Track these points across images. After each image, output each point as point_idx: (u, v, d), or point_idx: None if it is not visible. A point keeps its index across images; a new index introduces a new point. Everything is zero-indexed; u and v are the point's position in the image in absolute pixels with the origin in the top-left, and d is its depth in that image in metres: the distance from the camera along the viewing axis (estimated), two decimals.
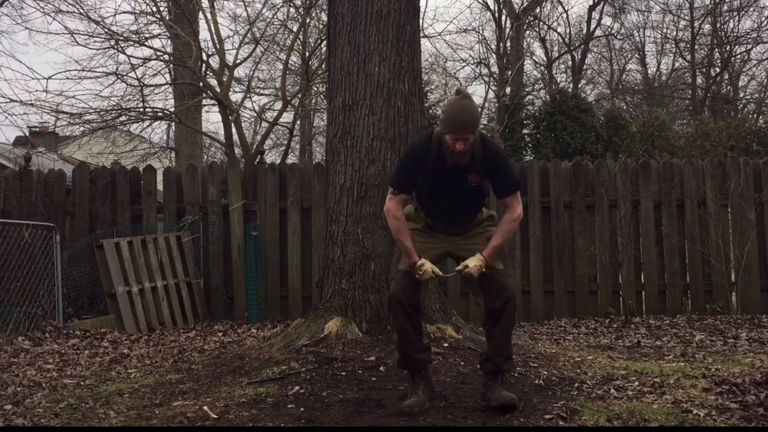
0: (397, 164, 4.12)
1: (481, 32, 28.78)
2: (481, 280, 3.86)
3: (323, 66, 12.97)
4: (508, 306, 3.82)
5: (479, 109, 3.79)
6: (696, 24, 27.55)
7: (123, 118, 13.20)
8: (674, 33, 28.82)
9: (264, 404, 4.11)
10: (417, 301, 3.91)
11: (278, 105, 15.10)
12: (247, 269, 8.63)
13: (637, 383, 4.34)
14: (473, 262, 3.80)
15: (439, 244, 4.00)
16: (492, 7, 24.16)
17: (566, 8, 36.76)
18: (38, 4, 13.94)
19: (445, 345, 5.12)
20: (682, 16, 27.99)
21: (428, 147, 3.84)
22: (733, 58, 27.82)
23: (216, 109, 14.03)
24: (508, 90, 20.00)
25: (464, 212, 3.99)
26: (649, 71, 30.67)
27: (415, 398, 3.87)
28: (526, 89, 23.85)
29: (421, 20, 6.85)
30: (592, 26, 26.98)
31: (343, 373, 4.61)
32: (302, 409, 3.98)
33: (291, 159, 20.62)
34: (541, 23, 26.82)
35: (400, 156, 4.19)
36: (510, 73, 20.79)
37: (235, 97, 16.21)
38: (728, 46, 27.43)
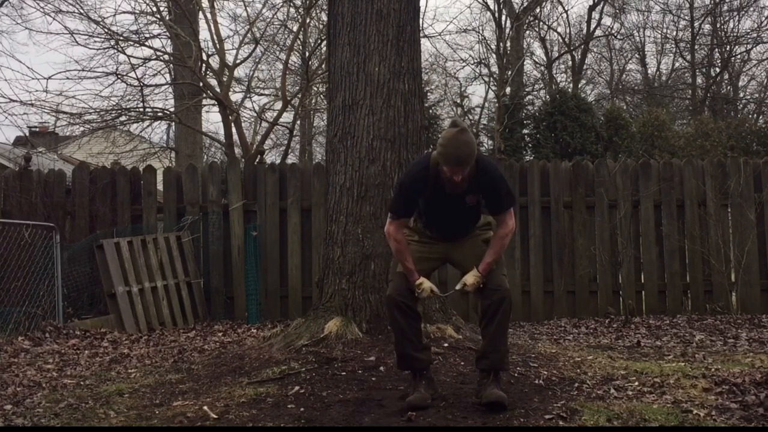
0: (396, 190, 4.16)
1: (481, 32, 28.77)
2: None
3: (323, 66, 12.97)
4: (502, 305, 3.89)
5: (474, 142, 3.81)
6: (696, 24, 27.55)
7: (123, 118, 13.21)
8: (674, 33, 28.84)
9: (264, 404, 4.11)
10: (414, 301, 4.00)
11: (278, 105, 15.09)
12: (247, 269, 8.63)
13: (637, 383, 4.34)
14: (471, 280, 3.93)
15: (436, 249, 4.10)
16: (492, 7, 24.15)
17: (566, 8, 36.75)
18: (38, 4, 13.95)
19: (445, 345, 5.12)
20: (682, 16, 28.01)
21: (426, 174, 3.89)
22: (733, 58, 27.81)
23: (216, 109, 14.04)
24: (508, 90, 19.99)
25: (463, 227, 4.09)
26: (649, 71, 30.68)
27: (417, 394, 3.91)
28: (526, 89, 23.84)
29: (421, 20, 6.85)
30: (592, 26, 26.97)
31: (343, 373, 4.61)
32: (302, 409, 3.98)
33: (291, 159, 20.61)
34: (541, 23, 26.81)
35: (398, 181, 4.24)
36: (510, 73, 20.79)
37: (235, 97, 16.24)
38: (728, 46, 27.43)
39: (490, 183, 3.89)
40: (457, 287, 3.99)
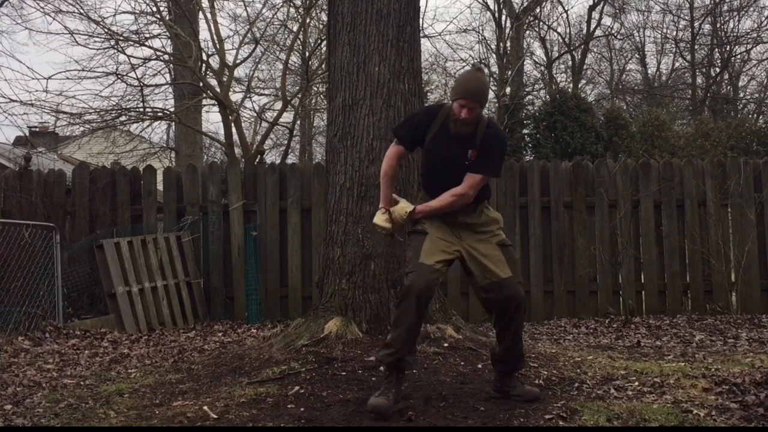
0: (407, 116, 4.21)
1: (481, 32, 28.82)
2: (492, 287, 3.86)
3: (323, 66, 12.97)
4: (518, 311, 3.91)
5: (489, 86, 3.85)
6: (696, 24, 27.58)
7: (123, 118, 13.21)
8: (674, 33, 28.88)
9: (264, 404, 4.11)
10: (431, 298, 3.89)
11: (278, 105, 15.09)
12: (247, 269, 8.63)
13: (637, 383, 4.34)
14: (400, 211, 3.90)
15: (452, 243, 3.91)
16: (492, 7, 24.18)
17: (566, 8, 36.85)
18: (38, 4, 13.98)
19: (445, 345, 5.11)
20: (682, 16, 28.04)
21: (437, 111, 3.96)
22: (733, 58, 27.83)
23: (216, 109, 14.04)
24: (508, 90, 19.98)
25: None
26: (649, 71, 30.71)
27: (383, 400, 3.74)
28: (526, 89, 23.85)
29: (421, 20, 6.85)
30: (592, 26, 27.01)
31: (343, 373, 4.61)
32: (302, 409, 3.98)
33: (291, 159, 20.62)
34: (541, 23, 26.85)
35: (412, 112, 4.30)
36: (510, 73, 20.79)
37: (235, 97, 16.24)
38: (728, 46, 27.45)
39: (491, 141, 3.89)
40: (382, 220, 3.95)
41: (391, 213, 3.96)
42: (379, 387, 3.91)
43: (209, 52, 14.08)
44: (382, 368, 3.91)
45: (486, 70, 23.37)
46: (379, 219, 4.00)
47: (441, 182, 3.94)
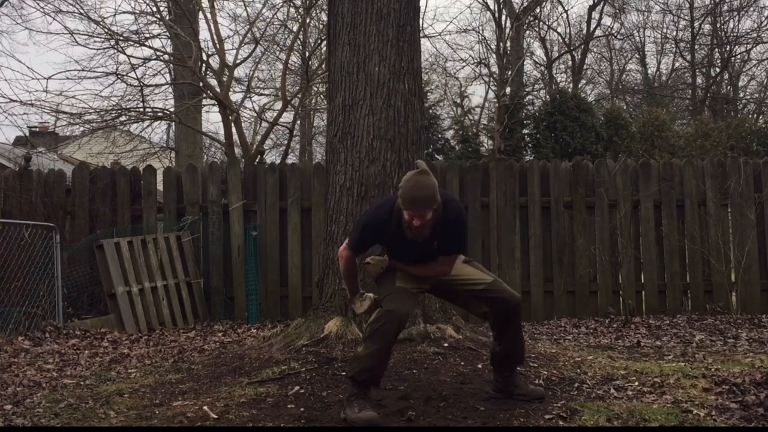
0: (357, 225, 4.07)
1: (481, 32, 28.84)
2: (487, 297, 3.93)
3: (323, 66, 12.97)
4: (517, 312, 3.96)
5: (435, 186, 3.72)
6: (696, 24, 27.57)
7: (123, 118, 13.20)
8: (674, 33, 28.86)
9: (264, 404, 4.11)
10: (405, 323, 3.92)
11: (278, 105, 15.09)
12: (247, 269, 8.63)
13: (637, 383, 4.34)
14: (366, 305, 3.99)
15: (420, 282, 3.98)
16: (492, 7, 24.17)
17: (566, 8, 36.83)
18: (38, 4, 13.96)
19: (445, 345, 5.12)
20: (682, 16, 28.03)
21: (388, 218, 3.81)
22: (733, 58, 27.83)
23: (216, 109, 14.04)
24: (508, 90, 19.98)
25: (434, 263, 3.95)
26: (649, 71, 30.70)
27: (372, 413, 3.69)
28: (526, 89, 23.84)
29: (421, 20, 6.85)
30: (592, 26, 26.99)
31: (343, 373, 4.60)
32: (302, 409, 3.98)
33: (291, 159, 20.62)
34: (541, 23, 26.83)
35: (361, 220, 4.15)
36: (510, 73, 20.79)
37: (235, 97, 16.24)
38: (728, 46, 27.44)
39: (450, 229, 3.79)
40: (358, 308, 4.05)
41: (367, 295, 4.01)
42: (351, 405, 3.73)
43: (209, 52, 14.09)
44: (349, 382, 3.79)
45: (486, 70, 23.39)
46: (362, 306, 4.01)
47: (413, 264, 3.93)
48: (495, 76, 22.85)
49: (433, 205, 3.66)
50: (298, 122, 19.16)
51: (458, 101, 23.79)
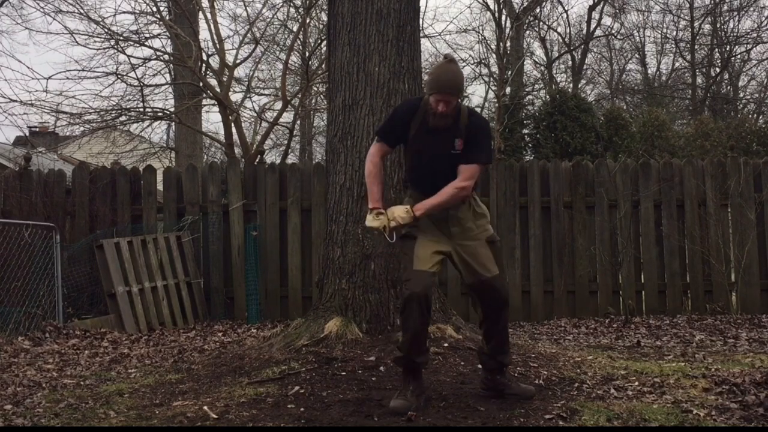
0: (388, 114, 4.23)
1: (481, 32, 28.74)
2: (479, 285, 3.97)
3: (323, 66, 12.96)
4: (503, 311, 4.05)
5: (464, 78, 3.85)
6: (696, 24, 27.55)
7: (123, 118, 13.20)
8: (674, 33, 28.84)
9: (264, 404, 4.11)
10: (431, 301, 3.95)
11: (278, 105, 15.07)
12: (247, 269, 8.63)
13: (637, 383, 4.34)
14: (399, 212, 3.83)
15: (441, 241, 3.94)
16: (492, 7, 24.13)
17: (566, 8, 36.82)
18: (38, 4, 13.99)
19: (445, 345, 5.11)
20: (682, 16, 28.02)
21: (417, 105, 3.95)
22: (733, 58, 27.82)
23: (216, 109, 14.02)
24: (508, 90, 19.96)
25: (447, 180, 3.90)
26: (649, 71, 30.69)
27: (402, 400, 3.82)
28: (526, 89, 23.83)
29: (421, 20, 6.85)
30: (592, 26, 26.98)
31: (343, 373, 4.61)
32: (302, 409, 3.98)
33: (291, 159, 20.59)
34: (541, 23, 26.81)
35: (392, 109, 4.34)
36: (510, 73, 20.77)
37: (235, 97, 16.20)
38: (728, 46, 27.43)
39: (477, 129, 3.92)
40: (391, 224, 3.84)
41: (386, 214, 3.89)
42: (398, 388, 4.00)
43: (209, 52, 14.09)
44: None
45: (486, 70, 23.38)
46: (373, 221, 3.91)
47: (433, 178, 3.92)
48: (495, 76, 22.82)
49: (459, 92, 3.82)
50: (298, 122, 19.14)
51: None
